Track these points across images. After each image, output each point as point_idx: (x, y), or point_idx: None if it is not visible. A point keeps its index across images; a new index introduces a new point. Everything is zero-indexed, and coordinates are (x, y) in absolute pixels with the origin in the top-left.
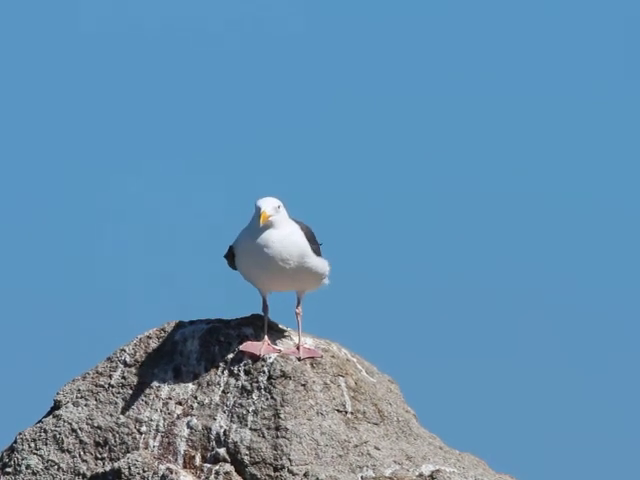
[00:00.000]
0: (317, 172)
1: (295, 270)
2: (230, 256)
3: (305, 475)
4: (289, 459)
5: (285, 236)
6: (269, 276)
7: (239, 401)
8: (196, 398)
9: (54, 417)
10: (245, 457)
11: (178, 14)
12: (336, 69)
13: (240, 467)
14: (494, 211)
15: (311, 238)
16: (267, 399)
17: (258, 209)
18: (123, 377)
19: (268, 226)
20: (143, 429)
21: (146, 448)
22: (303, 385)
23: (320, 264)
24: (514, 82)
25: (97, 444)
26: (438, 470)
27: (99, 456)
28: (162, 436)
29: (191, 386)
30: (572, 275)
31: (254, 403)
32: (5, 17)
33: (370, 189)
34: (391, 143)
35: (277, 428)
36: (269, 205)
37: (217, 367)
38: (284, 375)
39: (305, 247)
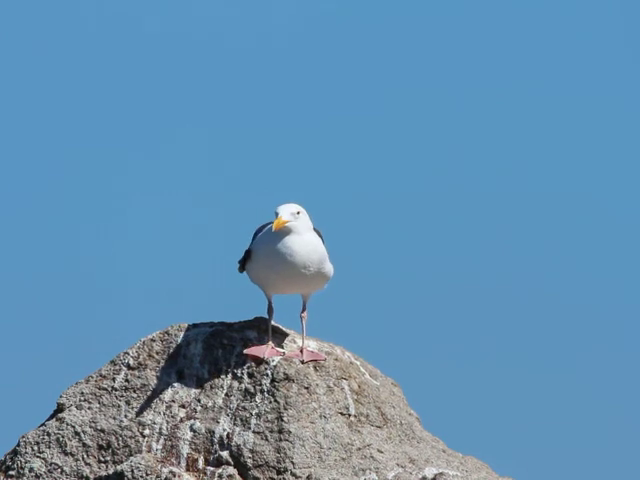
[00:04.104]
0: (322, 176)
1: (312, 276)
2: (245, 260)
3: (308, 478)
4: (292, 462)
5: (308, 243)
6: (287, 281)
7: (242, 404)
8: (199, 401)
9: (57, 420)
10: (248, 460)
11: (176, 18)
12: (333, 70)
13: (243, 470)
14: (497, 213)
15: (323, 243)
16: (270, 402)
17: (276, 215)
18: (126, 380)
19: (285, 232)
20: (146, 432)
21: (149, 451)
22: (306, 388)
23: (330, 268)
24: (512, 82)
25: (100, 447)
26: (441, 473)
27: (102, 459)
28: (165, 439)
29: (194, 389)
30: (575, 277)
31: (257, 406)
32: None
33: (374, 192)
34: (390, 144)
35: (280, 431)
36: (286, 211)
37: (220, 370)
38: (287, 378)
39: (325, 254)
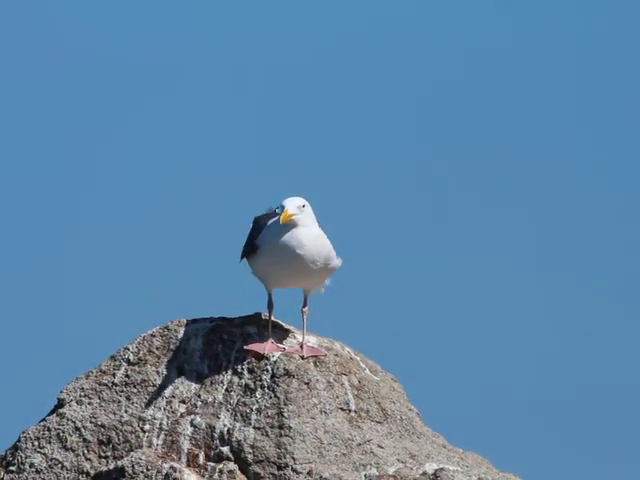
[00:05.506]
0: (320, 170)
1: (318, 270)
2: (248, 251)
3: (309, 473)
4: (293, 457)
5: (316, 238)
6: (292, 274)
7: (242, 399)
8: (199, 396)
9: (58, 415)
10: (249, 455)
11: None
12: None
13: (244, 465)
14: (494, 210)
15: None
16: (270, 397)
17: (282, 208)
18: (127, 375)
19: (291, 225)
20: (147, 427)
21: (150, 446)
22: (306, 383)
23: (338, 262)
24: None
25: (101, 442)
26: (442, 468)
27: (103, 454)
28: (166, 434)
29: (195, 384)
30: (574, 269)
31: (257, 402)
32: None
33: (374, 187)
34: (391, 142)
35: (281, 427)
36: (293, 204)
37: (221, 365)
38: (288, 374)
39: (331, 249)
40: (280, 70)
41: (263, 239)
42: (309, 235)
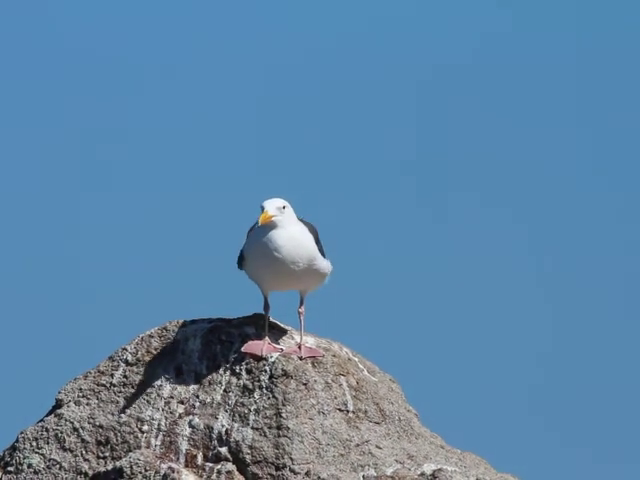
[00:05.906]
0: (318, 171)
1: (303, 272)
2: (240, 259)
3: (307, 474)
4: (291, 458)
5: (294, 238)
6: (277, 277)
7: (241, 400)
8: (198, 397)
9: (56, 416)
10: (247, 456)
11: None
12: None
13: (242, 466)
14: (494, 207)
15: (317, 239)
16: (269, 398)
17: (262, 209)
18: (125, 376)
19: (271, 226)
20: (145, 428)
21: (148, 447)
22: (304, 384)
23: (325, 265)
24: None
25: (99, 443)
26: (440, 469)
27: (101, 455)
28: (164, 435)
29: (193, 385)
30: (574, 269)
31: (256, 402)
32: None
33: (370, 188)
34: (391, 142)
35: (279, 427)
36: (272, 205)
37: (219, 366)
38: (286, 374)
39: (314, 250)
40: (280, 70)
41: (247, 246)
42: (286, 236)
